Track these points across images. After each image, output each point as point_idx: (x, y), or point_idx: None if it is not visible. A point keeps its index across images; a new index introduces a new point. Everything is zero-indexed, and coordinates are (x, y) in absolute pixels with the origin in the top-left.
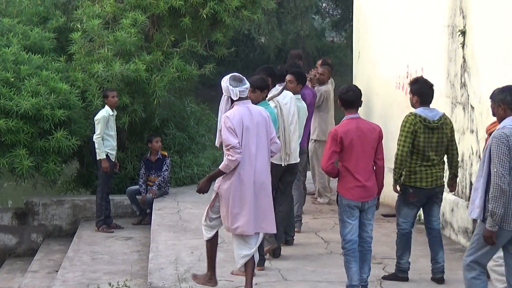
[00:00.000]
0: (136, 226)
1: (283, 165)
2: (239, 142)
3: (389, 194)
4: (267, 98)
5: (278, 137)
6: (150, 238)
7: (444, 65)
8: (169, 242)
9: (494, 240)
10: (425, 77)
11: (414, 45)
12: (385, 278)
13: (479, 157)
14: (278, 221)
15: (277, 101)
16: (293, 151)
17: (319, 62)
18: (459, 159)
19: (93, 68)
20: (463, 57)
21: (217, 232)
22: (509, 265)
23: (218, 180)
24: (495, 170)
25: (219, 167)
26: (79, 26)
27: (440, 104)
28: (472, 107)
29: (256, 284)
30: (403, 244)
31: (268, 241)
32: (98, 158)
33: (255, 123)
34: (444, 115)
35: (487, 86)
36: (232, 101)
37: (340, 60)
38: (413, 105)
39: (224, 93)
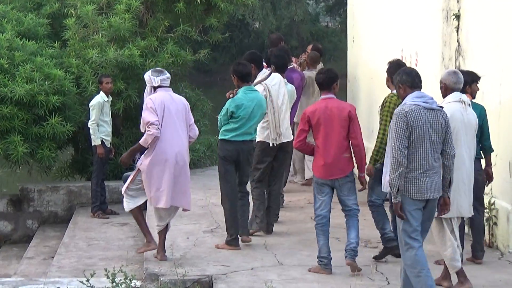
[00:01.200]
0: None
1: (271, 144)
2: (158, 121)
3: None
4: (254, 82)
5: (267, 120)
6: None
7: (439, 49)
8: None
9: (399, 211)
10: (420, 61)
11: (408, 29)
12: (376, 257)
13: None
14: (272, 199)
15: (265, 84)
16: (285, 130)
17: (309, 47)
18: None
19: (88, 54)
20: (458, 41)
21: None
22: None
23: (142, 158)
24: (393, 144)
25: (139, 141)
26: (73, 12)
27: (435, 88)
28: None
29: (252, 268)
30: (381, 214)
31: (258, 225)
32: (93, 144)
33: (176, 108)
34: None
35: (481, 69)
36: (155, 90)
37: (334, 45)
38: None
39: (147, 84)
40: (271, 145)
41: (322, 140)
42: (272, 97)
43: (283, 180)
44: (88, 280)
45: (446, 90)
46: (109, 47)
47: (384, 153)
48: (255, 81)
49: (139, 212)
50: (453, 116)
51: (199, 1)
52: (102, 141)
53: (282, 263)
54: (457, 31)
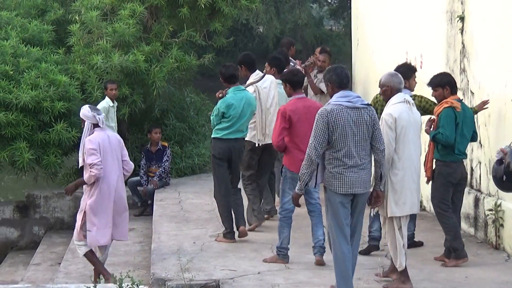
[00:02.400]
0: (137, 217)
1: (256, 145)
2: (100, 161)
3: None
4: (246, 84)
5: (255, 121)
6: (152, 229)
7: (444, 51)
8: (171, 232)
9: (298, 202)
10: (424, 63)
11: (413, 32)
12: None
13: (480, 142)
14: (257, 194)
15: (256, 86)
16: (271, 131)
17: (318, 49)
18: None
19: (92, 59)
20: (462, 43)
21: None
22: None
23: (84, 199)
24: (310, 142)
25: (84, 178)
26: (77, 18)
27: None
28: (472, 93)
29: (259, 273)
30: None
31: (257, 217)
32: None
33: (112, 146)
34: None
35: (486, 71)
36: (93, 127)
37: (338, 49)
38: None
39: (88, 121)
40: (257, 145)
41: (302, 137)
42: (261, 99)
43: (267, 176)
44: (95, 286)
45: (391, 92)
46: (113, 52)
47: None
48: (248, 82)
49: (93, 253)
50: (401, 116)
51: (203, 6)
52: None
53: (288, 267)
54: (462, 33)
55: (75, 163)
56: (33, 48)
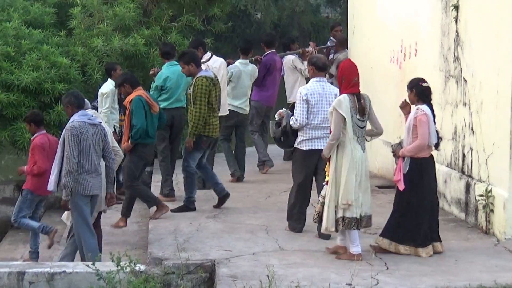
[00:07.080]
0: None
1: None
2: None
3: (384, 166)
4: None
5: None
6: (149, 209)
7: (438, 39)
8: (168, 213)
9: (68, 206)
10: (419, 51)
11: (408, 20)
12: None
13: (472, 129)
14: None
15: (207, 65)
16: (222, 105)
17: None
18: (452, 131)
19: (93, 42)
20: (456, 31)
21: None
22: None
23: None
24: (67, 154)
25: None
26: (78, 1)
27: (433, 77)
28: (465, 80)
29: (253, 253)
30: (193, 181)
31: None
32: None
33: None
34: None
35: (479, 59)
36: None
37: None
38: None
39: None
40: None
41: None
42: None
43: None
44: (93, 264)
45: None
46: (114, 36)
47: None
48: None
49: None
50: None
51: None
52: (114, 128)
53: (283, 248)
54: (456, 21)
55: None
56: (35, 30)
